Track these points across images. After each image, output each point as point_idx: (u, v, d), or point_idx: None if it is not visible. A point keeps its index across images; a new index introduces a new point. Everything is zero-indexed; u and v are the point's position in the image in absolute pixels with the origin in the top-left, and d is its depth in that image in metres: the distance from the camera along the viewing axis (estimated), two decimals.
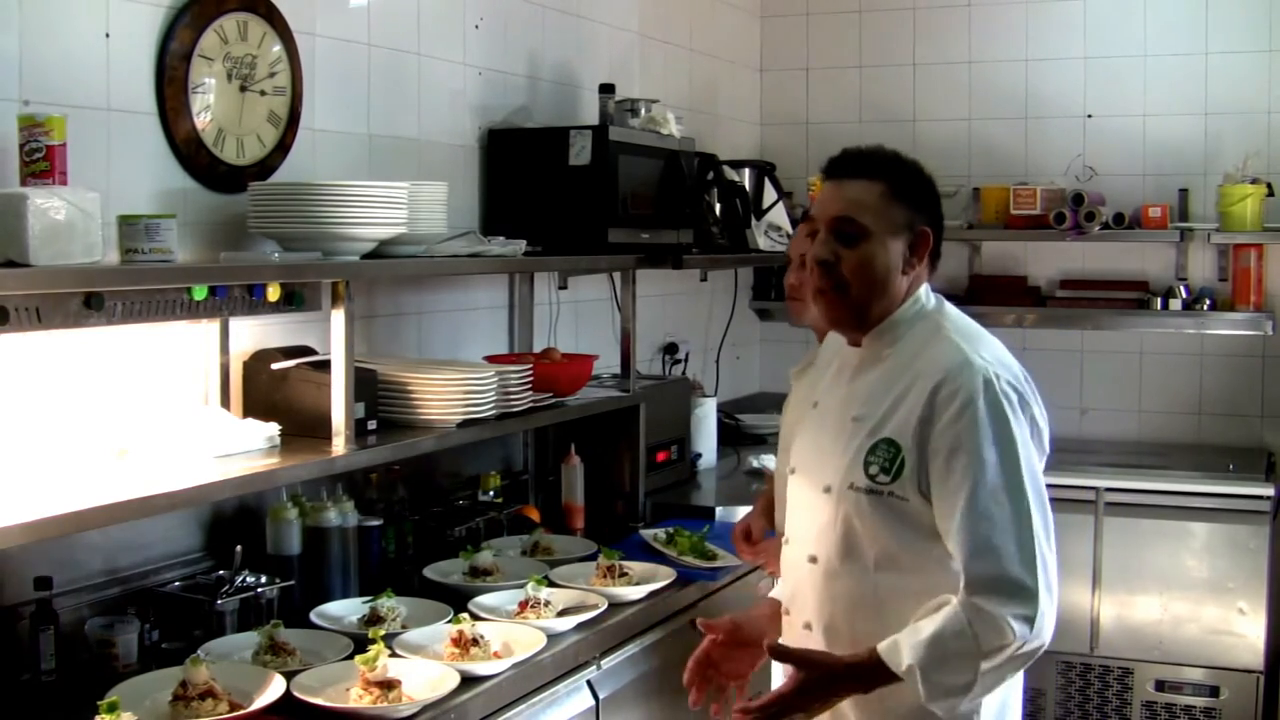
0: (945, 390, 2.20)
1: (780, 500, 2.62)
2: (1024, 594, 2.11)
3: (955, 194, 5.46)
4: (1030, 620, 2.10)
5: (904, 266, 2.31)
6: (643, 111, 4.15)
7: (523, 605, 2.98)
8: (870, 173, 2.31)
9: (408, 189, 3.02)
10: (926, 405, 2.20)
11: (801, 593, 2.39)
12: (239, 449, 2.71)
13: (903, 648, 2.13)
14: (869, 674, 2.17)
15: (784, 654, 2.24)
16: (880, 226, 2.28)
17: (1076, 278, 5.43)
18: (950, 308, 2.41)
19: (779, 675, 2.46)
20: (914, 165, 2.37)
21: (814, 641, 2.34)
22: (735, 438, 4.88)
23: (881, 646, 2.16)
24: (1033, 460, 2.24)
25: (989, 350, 2.30)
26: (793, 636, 2.40)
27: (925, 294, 2.38)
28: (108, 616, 2.65)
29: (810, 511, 2.36)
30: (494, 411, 3.20)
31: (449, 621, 2.80)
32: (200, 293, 2.62)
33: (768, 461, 4.24)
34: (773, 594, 2.62)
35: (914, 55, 5.64)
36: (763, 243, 4.75)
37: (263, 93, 3.06)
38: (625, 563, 3.30)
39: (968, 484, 2.15)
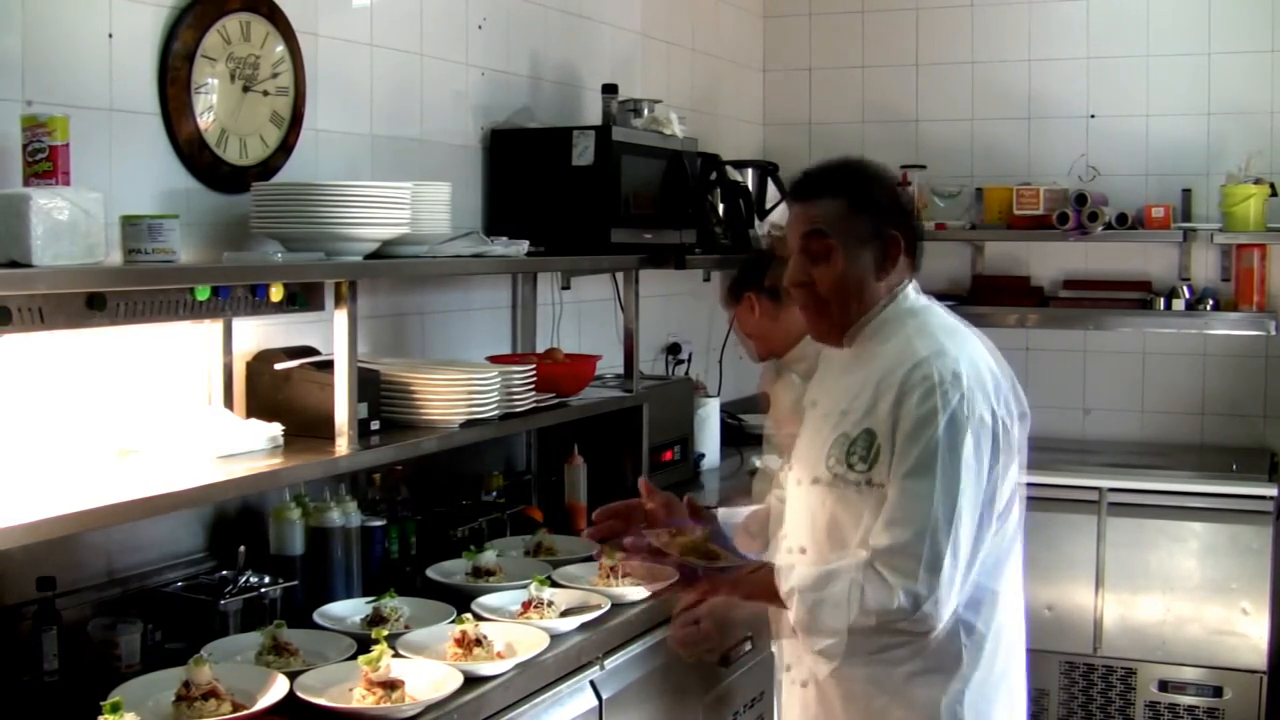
0: (912, 378, 2.25)
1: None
2: (920, 573, 2.16)
3: (958, 194, 5.47)
4: (918, 599, 2.16)
5: (878, 273, 2.38)
6: (645, 112, 4.15)
7: (526, 605, 2.98)
8: (830, 190, 2.37)
9: (410, 189, 3.02)
10: (897, 392, 2.26)
11: None
12: (242, 449, 2.71)
13: (795, 570, 2.27)
14: (757, 584, 2.33)
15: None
16: (847, 240, 2.35)
17: (1079, 278, 5.42)
18: (938, 307, 2.47)
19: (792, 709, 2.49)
20: (874, 173, 2.44)
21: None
22: (738, 438, 4.87)
23: (779, 562, 2.32)
24: (982, 460, 2.24)
25: (961, 347, 2.34)
26: (784, 627, 2.42)
27: (913, 292, 2.44)
28: (110, 617, 2.65)
29: (799, 504, 2.43)
30: (497, 412, 3.20)
31: (452, 622, 2.80)
32: (203, 293, 2.62)
33: (770, 462, 4.24)
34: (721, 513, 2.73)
35: (917, 55, 5.63)
36: (766, 243, 4.75)
37: (265, 93, 3.06)
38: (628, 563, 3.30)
39: (908, 463, 2.21)
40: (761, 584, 2.33)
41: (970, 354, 2.33)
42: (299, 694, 2.41)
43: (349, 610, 2.93)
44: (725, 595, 2.42)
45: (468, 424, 3.10)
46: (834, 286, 2.37)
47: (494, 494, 3.69)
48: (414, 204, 3.03)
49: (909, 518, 2.19)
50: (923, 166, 5.44)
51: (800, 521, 2.43)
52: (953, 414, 2.22)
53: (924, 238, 2.51)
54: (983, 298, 5.44)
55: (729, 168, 4.66)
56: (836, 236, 2.34)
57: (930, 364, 2.26)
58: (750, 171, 4.87)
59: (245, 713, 2.31)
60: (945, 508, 2.19)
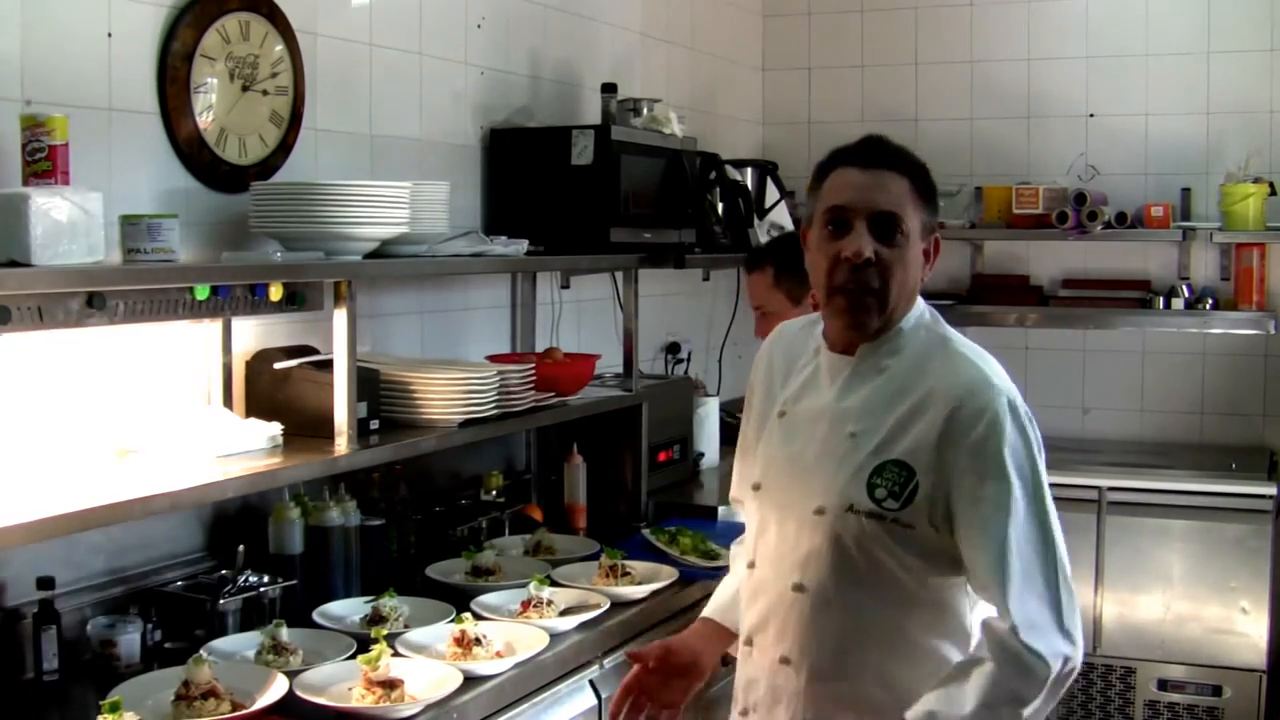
0: (966, 411, 2.04)
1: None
2: (1059, 627, 2.00)
3: (957, 193, 5.46)
4: (1065, 655, 2.00)
5: (923, 272, 2.16)
6: (645, 111, 4.15)
7: (525, 605, 2.98)
8: (900, 167, 2.14)
9: (410, 189, 3.02)
10: (945, 427, 2.04)
11: (778, 624, 2.18)
12: (241, 449, 2.71)
13: None
14: None
15: None
16: (913, 226, 2.12)
17: (1079, 277, 5.42)
18: (944, 322, 2.25)
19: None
20: (925, 165, 2.23)
21: (792, 677, 2.16)
22: (737, 437, 4.86)
23: (912, 718, 2.00)
24: (1047, 485, 2.10)
25: (997, 369, 2.14)
26: (761, 671, 2.22)
27: (924, 304, 2.22)
28: (110, 616, 2.65)
29: (794, 535, 2.16)
30: (496, 411, 3.20)
31: (451, 621, 2.80)
32: (202, 292, 2.62)
33: None
34: (707, 614, 2.43)
35: (916, 54, 5.63)
36: (765, 242, 4.75)
37: (265, 92, 3.06)
38: (627, 562, 3.30)
39: (1000, 516, 2.00)
40: None
41: (1004, 374, 2.14)
42: (298, 693, 2.42)
43: (348, 609, 2.93)
44: None
45: (467, 423, 3.10)
46: (898, 271, 2.10)
47: (493, 493, 3.69)
48: (413, 203, 3.03)
49: (1026, 575, 1.99)
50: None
51: (791, 553, 2.16)
52: (1024, 446, 2.05)
53: None
54: (982, 297, 5.44)
55: (728, 167, 4.67)
56: (908, 219, 2.10)
57: (983, 395, 2.05)
58: (750, 171, 4.88)
59: (244, 712, 2.31)
60: (1050, 550, 2.03)
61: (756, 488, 2.27)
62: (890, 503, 2.06)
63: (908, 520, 2.05)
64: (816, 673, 2.13)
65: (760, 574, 2.24)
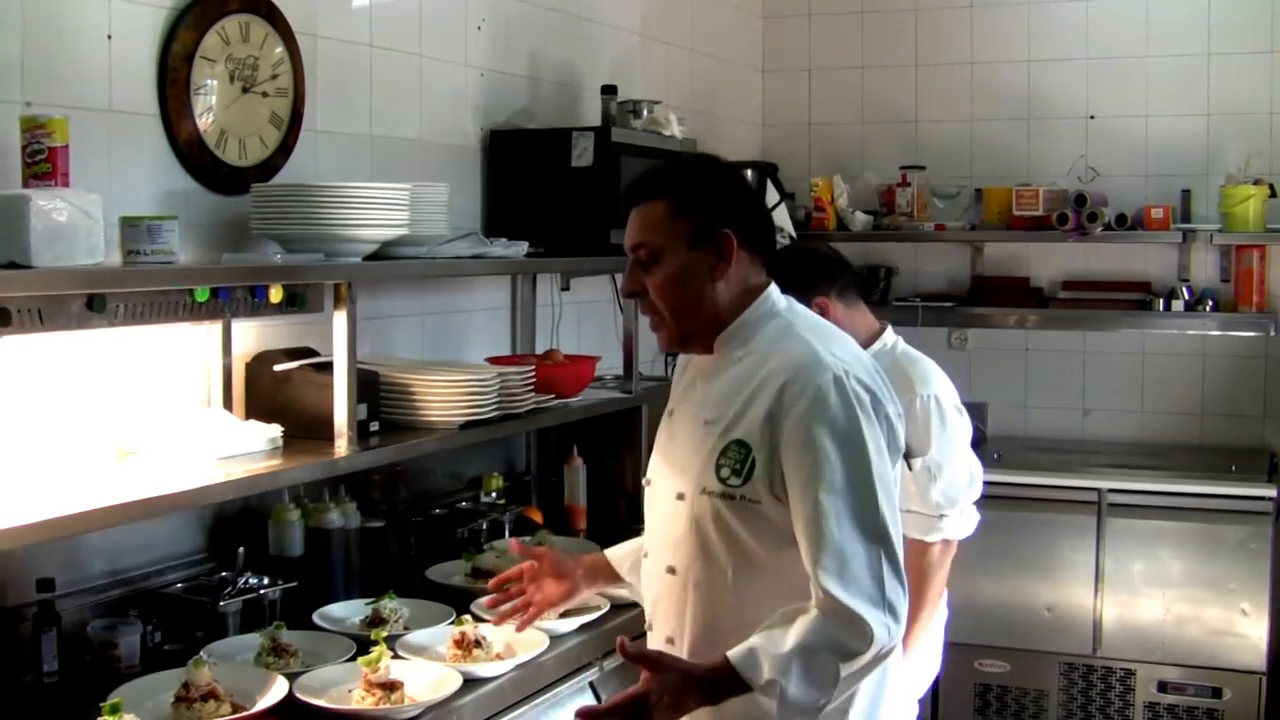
0: (794, 387, 2.13)
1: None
2: (879, 598, 2.06)
3: (958, 195, 5.47)
4: (887, 626, 2.05)
5: (712, 275, 2.22)
6: (645, 112, 4.15)
7: None
8: (653, 193, 2.25)
9: (410, 190, 3.02)
10: (775, 402, 2.13)
11: (662, 605, 2.29)
12: (241, 450, 2.71)
13: (761, 661, 2.04)
14: (722, 684, 2.06)
15: (637, 655, 2.11)
16: (672, 244, 2.21)
17: (1079, 279, 5.42)
18: (801, 309, 2.33)
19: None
20: (706, 167, 2.33)
21: (679, 655, 2.22)
22: None
23: (735, 656, 2.06)
24: (885, 460, 2.14)
25: (841, 348, 2.22)
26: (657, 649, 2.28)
27: (775, 294, 2.30)
28: (110, 618, 2.65)
29: (666, 521, 2.28)
30: (496, 413, 3.19)
31: (451, 623, 2.81)
32: (202, 294, 2.62)
33: None
34: (607, 552, 2.60)
35: (916, 56, 5.63)
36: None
37: (265, 94, 3.06)
38: None
39: (816, 483, 2.08)
40: (728, 681, 2.06)
41: (853, 351, 2.23)
42: (298, 695, 2.42)
43: (348, 611, 2.93)
44: (688, 699, 2.09)
45: (467, 425, 3.10)
46: (663, 291, 2.23)
47: (493, 495, 3.70)
48: (413, 205, 3.03)
49: (840, 540, 2.05)
50: (922, 167, 5.44)
51: (664, 538, 2.29)
52: (847, 419, 2.10)
53: (773, 232, 2.36)
54: (982, 299, 5.44)
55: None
56: (661, 241, 2.21)
57: (808, 372, 2.13)
58: (749, 172, 4.87)
59: (244, 714, 2.31)
60: (871, 518, 2.08)
61: (647, 483, 2.39)
62: (734, 480, 2.16)
63: (752, 496, 2.15)
64: (695, 650, 2.22)
65: (648, 562, 2.36)
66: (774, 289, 2.30)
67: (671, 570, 2.26)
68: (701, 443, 2.22)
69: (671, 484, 2.28)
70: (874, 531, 2.09)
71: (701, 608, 2.22)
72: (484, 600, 2.65)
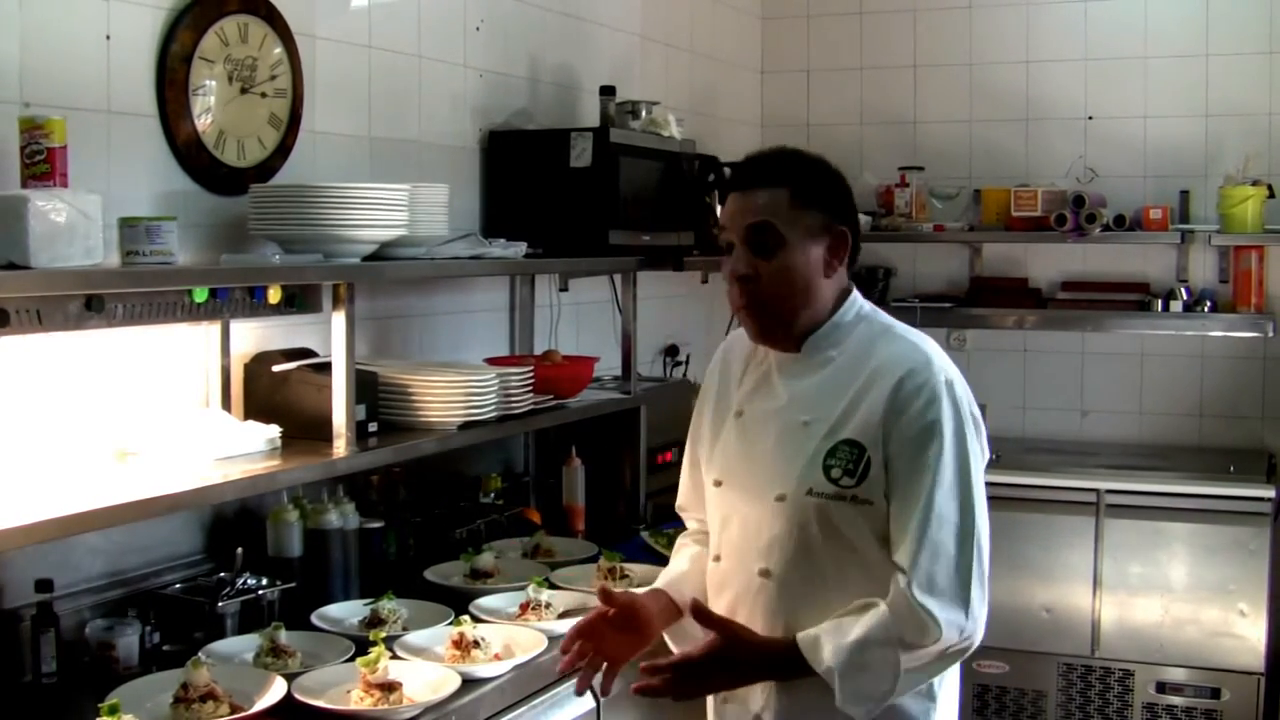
0: (909, 386, 2.14)
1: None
2: (960, 600, 2.10)
3: (956, 195, 5.47)
4: (960, 627, 2.09)
5: (825, 270, 2.23)
6: (643, 113, 4.15)
7: (524, 607, 2.98)
8: (775, 179, 2.22)
9: (408, 191, 3.03)
10: (889, 401, 2.14)
11: (748, 610, 2.25)
12: (240, 451, 2.71)
13: (824, 646, 2.08)
14: (785, 663, 2.12)
15: (708, 616, 2.15)
16: (795, 233, 2.19)
17: (1077, 279, 5.42)
18: (882, 311, 2.34)
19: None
20: (820, 164, 2.29)
21: None
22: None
23: (802, 639, 2.11)
24: (981, 467, 2.20)
25: (940, 354, 2.24)
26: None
27: (859, 297, 2.31)
28: (109, 619, 2.65)
29: (756, 523, 2.24)
30: (495, 413, 3.20)
31: (450, 624, 2.80)
32: (201, 295, 2.62)
33: None
34: (660, 586, 2.44)
35: (915, 57, 5.64)
36: None
37: (263, 95, 3.06)
38: (626, 564, 3.30)
39: (927, 481, 2.11)
40: (791, 661, 2.11)
41: (945, 357, 2.25)
42: (297, 696, 2.42)
43: (347, 612, 2.93)
44: (749, 671, 2.16)
45: (466, 426, 3.10)
46: (780, 280, 2.20)
47: (492, 496, 3.69)
48: (412, 206, 3.03)
49: (937, 539, 2.09)
50: (921, 168, 5.45)
51: (754, 542, 2.24)
52: (957, 423, 2.14)
53: (861, 240, 2.34)
54: (981, 299, 5.45)
55: (727, 169, 4.66)
56: (784, 228, 2.18)
57: (922, 372, 2.16)
58: None
59: (243, 714, 2.31)
60: (968, 521, 2.12)
61: (718, 484, 2.34)
62: (846, 480, 2.15)
63: (865, 496, 2.14)
64: None
65: (725, 565, 2.32)
66: (856, 291, 2.31)
67: (765, 573, 2.23)
68: (801, 444, 2.20)
69: (763, 486, 2.24)
70: (970, 534, 2.13)
71: (798, 609, 2.20)
72: (559, 665, 2.39)
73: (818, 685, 2.11)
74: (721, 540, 2.33)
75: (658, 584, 2.46)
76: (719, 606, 2.30)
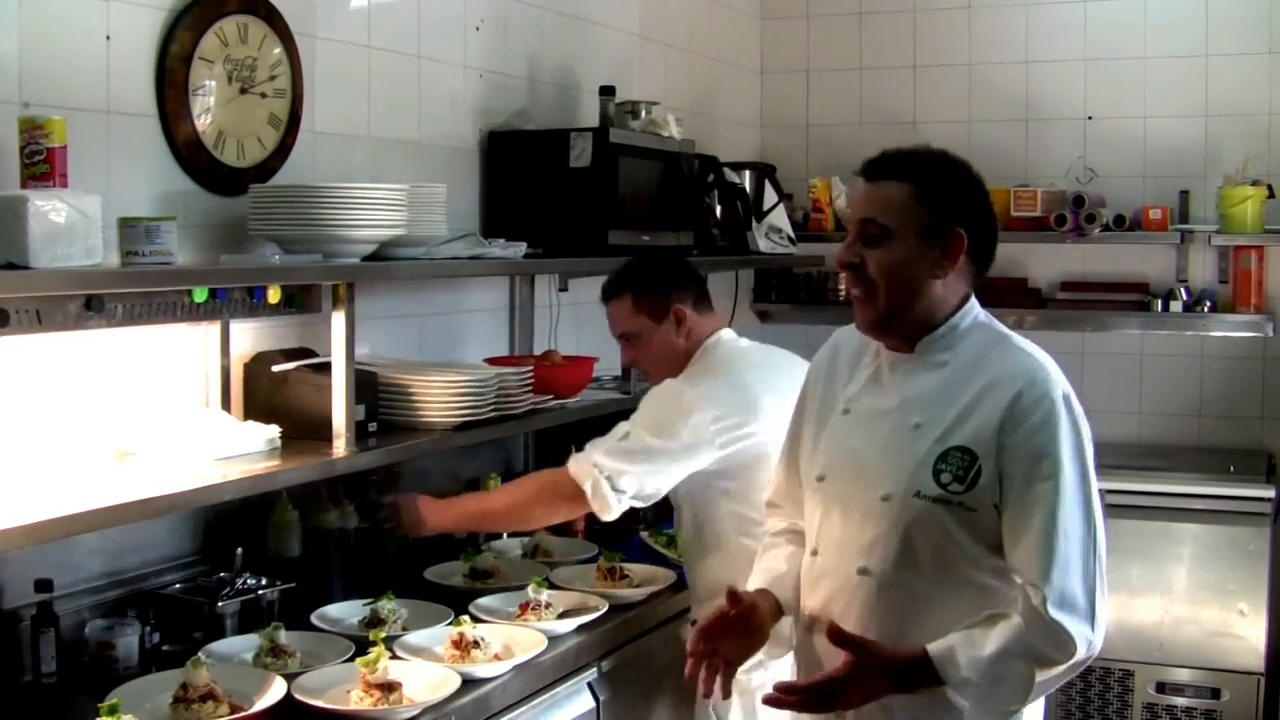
0: (1027, 398, 2.15)
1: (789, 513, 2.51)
2: (1090, 613, 2.11)
3: None
4: (1089, 640, 2.11)
5: (934, 270, 2.24)
6: (643, 114, 4.15)
7: (523, 607, 2.98)
8: (900, 174, 2.25)
9: (408, 191, 3.03)
10: (1006, 412, 2.15)
11: (842, 607, 2.26)
12: (239, 451, 2.71)
13: (959, 658, 2.08)
14: (918, 675, 2.10)
15: (843, 637, 2.13)
16: (905, 228, 2.21)
17: (1077, 279, 5.42)
18: (998, 322, 2.37)
19: None
20: (953, 165, 2.30)
21: None
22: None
23: (934, 650, 2.10)
24: (1095, 479, 2.20)
25: (1055, 368, 2.26)
26: (826, 654, 2.24)
27: (977, 304, 2.34)
28: (108, 619, 2.65)
29: (859, 521, 2.25)
30: (494, 414, 3.20)
31: (449, 624, 2.80)
32: (201, 295, 2.62)
33: None
34: (764, 586, 2.42)
35: (914, 57, 5.63)
36: (763, 245, 4.75)
37: (263, 95, 3.06)
38: (625, 565, 3.31)
39: (1050, 496, 2.11)
40: (923, 673, 2.10)
41: (1059, 371, 2.25)
42: (296, 696, 2.42)
43: (346, 612, 2.93)
44: (881, 686, 2.13)
45: (465, 426, 3.10)
46: (883, 271, 2.22)
47: None
48: (411, 206, 3.03)
49: (1066, 554, 2.09)
50: None
51: (855, 539, 2.25)
52: (1075, 437, 2.15)
53: (995, 249, 2.38)
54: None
55: (726, 170, 4.66)
56: (894, 222, 2.21)
57: (1043, 385, 2.17)
58: (748, 173, 4.87)
59: (243, 714, 2.31)
60: (1090, 535, 2.13)
61: (820, 479, 2.34)
62: (955, 486, 2.16)
63: (972, 504, 2.15)
64: None
65: (823, 561, 2.32)
66: (975, 299, 2.34)
67: (864, 571, 2.23)
68: (910, 445, 2.21)
69: (868, 484, 2.24)
70: (1094, 548, 2.14)
71: (896, 609, 2.21)
72: (687, 669, 2.32)
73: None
74: (820, 535, 2.34)
75: (762, 584, 2.43)
76: (814, 601, 2.33)
